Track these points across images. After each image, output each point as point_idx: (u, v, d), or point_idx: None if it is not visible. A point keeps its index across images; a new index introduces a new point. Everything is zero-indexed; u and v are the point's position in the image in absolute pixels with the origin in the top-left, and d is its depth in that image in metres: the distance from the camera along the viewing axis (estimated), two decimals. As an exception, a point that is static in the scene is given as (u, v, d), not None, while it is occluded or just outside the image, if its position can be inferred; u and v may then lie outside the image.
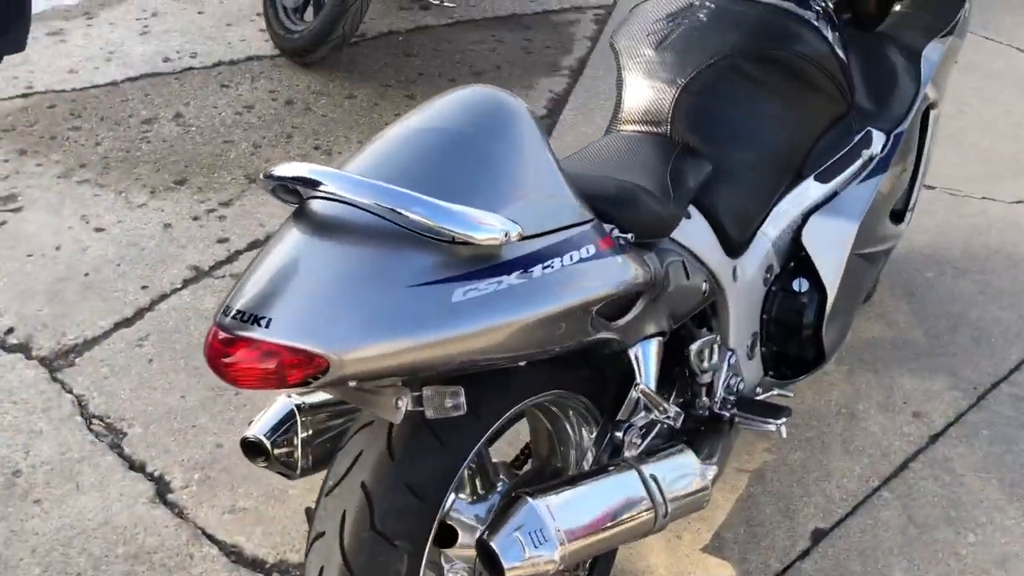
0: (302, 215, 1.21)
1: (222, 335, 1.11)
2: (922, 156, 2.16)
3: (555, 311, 1.26)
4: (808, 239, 1.86)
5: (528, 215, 1.26)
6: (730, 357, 1.79)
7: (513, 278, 1.21)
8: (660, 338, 1.54)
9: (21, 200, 2.92)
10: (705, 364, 1.71)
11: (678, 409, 1.52)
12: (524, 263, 1.23)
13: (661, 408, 1.48)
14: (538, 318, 1.24)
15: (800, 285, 1.87)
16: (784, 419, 1.76)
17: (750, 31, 1.77)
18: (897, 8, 2.12)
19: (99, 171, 3.09)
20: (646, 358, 1.51)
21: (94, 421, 2.19)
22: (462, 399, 1.26)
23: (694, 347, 1.69)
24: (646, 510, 1.42)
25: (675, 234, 1.62)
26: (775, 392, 1.97)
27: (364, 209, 1.16)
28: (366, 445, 1.35)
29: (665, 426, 1.55)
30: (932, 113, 2.13)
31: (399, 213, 1.14)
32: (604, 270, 1.33)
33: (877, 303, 2.78)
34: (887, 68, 2.00)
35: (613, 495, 1.40)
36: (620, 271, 1.36)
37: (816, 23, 1.83)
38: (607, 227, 1.38)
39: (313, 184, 1.18)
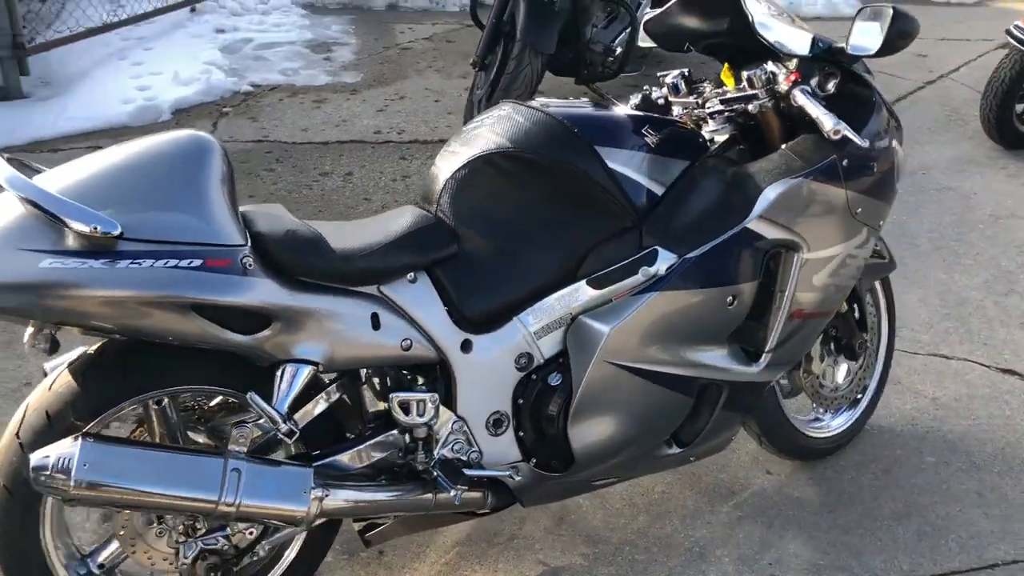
0: None
1: None
2: (778, 297, 2.06)
3: (125, 296, 1.58)
4: (569, 338, 1.94)
5: (150, 224, 1.62)
6: (454, 423, 1.92)
7: (98, 263, 1.57)
8: (311, 367, 1.77)
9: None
10: (411, 419, 1.87)
11: (292, 428, 1.72)
12: (115, 256, 1.57)
13: (272, 419, 1.71)
14: (109, 298, 1.58)
15: (554, 379, 1.94)
16: (462, 487, 1.86)
17: (516, 136, 1.94)
18: (784, 146, 2.08)
19: (258, 201, 3.87)
20: (289, 378, 1.75)
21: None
22: (45, 345, 1.65)
23: (397, 396, 1.86)
24: (209, 494, 1.67)
25: (390, 291, 1.84)
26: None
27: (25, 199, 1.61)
28: (54, 376, 1.79)
29: (278, 438, 1.77)
30: (796, 256, 2.04)
31: (29, 199, 1.57)
32: (200, 281, 1.62)
33: (837, 467, 2.55)
34: (712, 196, 1.99)
35: (178, 469, 1.66)
36: (220, 287, 1.63)
37: (595, 142, 1.93)
38: (242, 252, 1.67)
39: None
